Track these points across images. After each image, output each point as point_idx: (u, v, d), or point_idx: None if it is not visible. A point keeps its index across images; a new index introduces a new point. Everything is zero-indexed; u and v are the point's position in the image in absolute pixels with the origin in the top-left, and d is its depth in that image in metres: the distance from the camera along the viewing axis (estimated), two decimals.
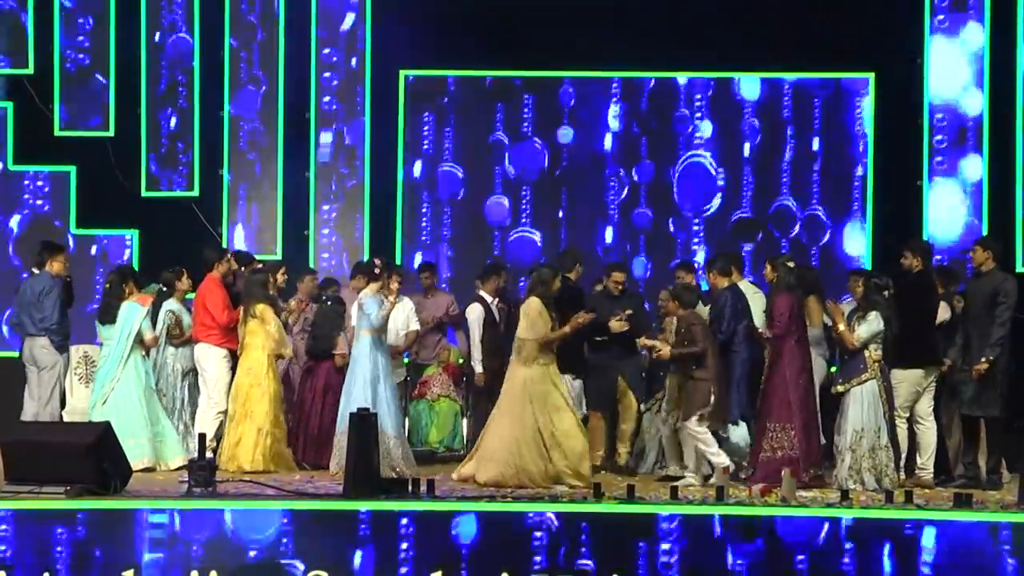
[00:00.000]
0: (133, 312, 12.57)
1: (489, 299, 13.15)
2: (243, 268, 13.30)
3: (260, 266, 13.27)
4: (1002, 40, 14.99)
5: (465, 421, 13.56)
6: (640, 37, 14.96)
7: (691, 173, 15.54)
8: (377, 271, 12.55)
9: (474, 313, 13.06)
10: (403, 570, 9.57)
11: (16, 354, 13.35)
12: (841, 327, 11.64)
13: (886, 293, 11.75)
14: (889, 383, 11.69)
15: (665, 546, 9.53)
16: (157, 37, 15.42)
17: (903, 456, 11.82)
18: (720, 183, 15.46)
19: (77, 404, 13.28)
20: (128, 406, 12.38)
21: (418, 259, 15.32)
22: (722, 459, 11.49)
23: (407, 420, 13.27)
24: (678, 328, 11.89)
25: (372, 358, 12.24)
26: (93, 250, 15.28)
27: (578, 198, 15.60)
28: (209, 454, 11.03)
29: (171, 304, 12.97)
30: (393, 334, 12.84)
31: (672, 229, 15.53)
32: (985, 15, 15.02)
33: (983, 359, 11.68)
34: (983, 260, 11.98)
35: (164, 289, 13.09)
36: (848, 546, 9.51)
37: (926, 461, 11.88)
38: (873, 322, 11.56)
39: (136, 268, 13.93)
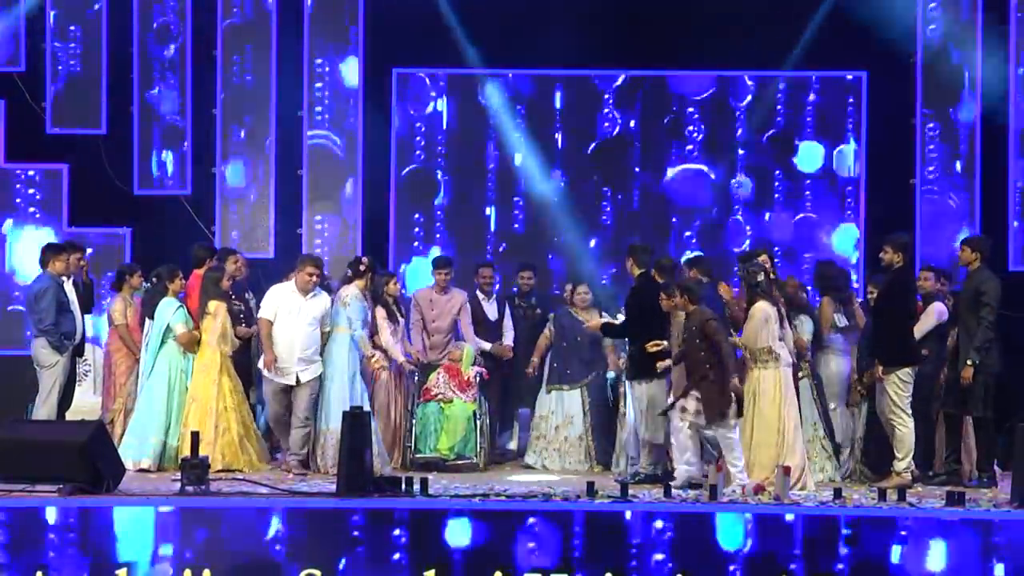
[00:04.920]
0: (164, 308, 12.54)
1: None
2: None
3: (216, 265, 12.96)
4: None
5: (479, 424, 12.88)
6: (633, 36, 14.96)
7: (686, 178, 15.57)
8: (363, 268, 12.46)
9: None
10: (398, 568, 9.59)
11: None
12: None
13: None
14: (820, 380, 12.27)
15: (657, 548, 9.56)
16: (149, 35, 15.40)
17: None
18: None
19: (77, 404, 13.31)
20: (149, 405, 12.35)
21: (414, 259, 15.38)
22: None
23: (415, 424, 12.88)
24: (688, 326, 11.22)
25: (348, 356, 12.21)
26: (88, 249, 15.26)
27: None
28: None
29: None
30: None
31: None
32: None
33: (967, 362, 11.64)
34: (970, 260, 11.93)
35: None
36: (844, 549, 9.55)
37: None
38: (804, 324, 12.23)
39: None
